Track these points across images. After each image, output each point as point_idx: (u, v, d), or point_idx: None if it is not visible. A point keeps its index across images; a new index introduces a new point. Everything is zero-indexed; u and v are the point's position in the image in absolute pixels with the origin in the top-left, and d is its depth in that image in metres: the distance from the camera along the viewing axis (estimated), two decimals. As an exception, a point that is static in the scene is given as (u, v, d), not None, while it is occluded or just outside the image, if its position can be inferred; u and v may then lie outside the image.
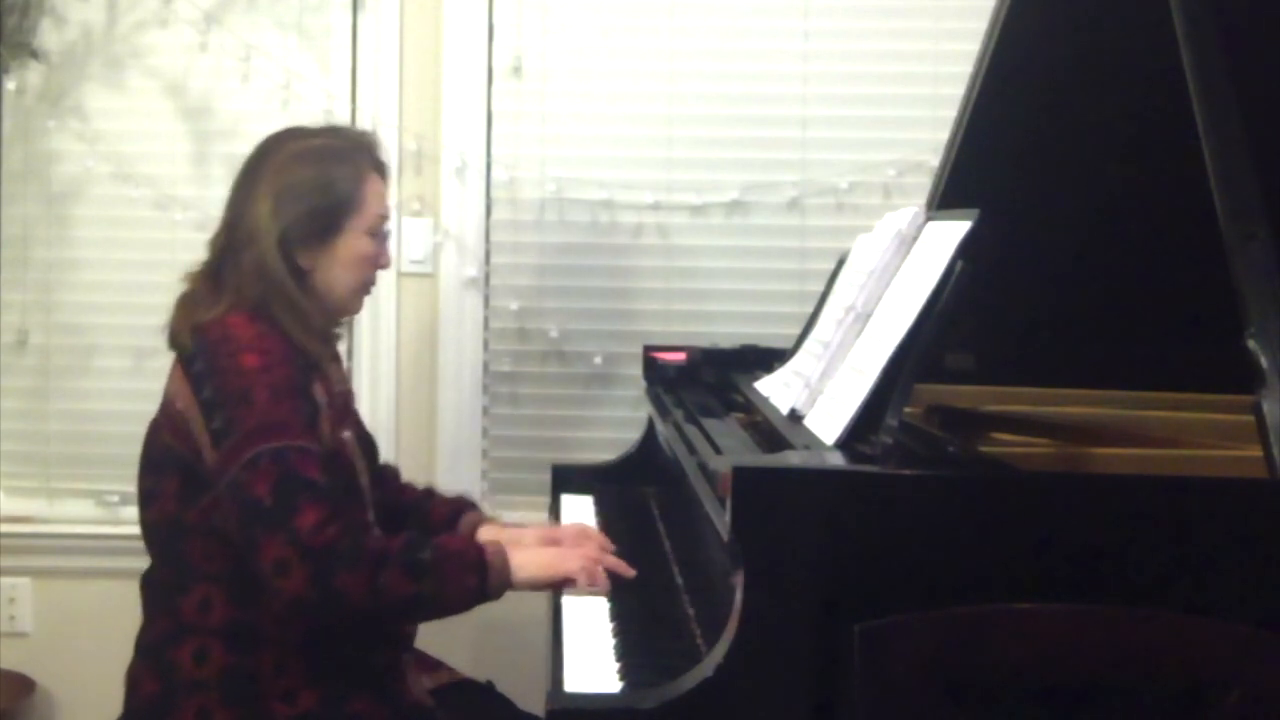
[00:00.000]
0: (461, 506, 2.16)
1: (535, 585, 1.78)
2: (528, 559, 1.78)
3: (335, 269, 1.90)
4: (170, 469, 1.82)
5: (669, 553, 1.97)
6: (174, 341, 1.86)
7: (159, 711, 1.79)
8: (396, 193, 2.76)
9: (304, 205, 1.86)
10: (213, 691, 1.77)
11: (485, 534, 2.06)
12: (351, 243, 1.90)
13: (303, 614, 1.70)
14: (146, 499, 1.86)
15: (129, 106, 2.82)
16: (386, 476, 2.16)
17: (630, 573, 1.80)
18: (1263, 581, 1.29)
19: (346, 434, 1.90)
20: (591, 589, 1.75)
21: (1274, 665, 1.24)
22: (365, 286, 1.96)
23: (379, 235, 1.94)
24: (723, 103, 2.77)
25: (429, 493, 2.20)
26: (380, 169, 1.97)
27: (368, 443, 2.05)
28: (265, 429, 1.71)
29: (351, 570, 1.66)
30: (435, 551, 1.72)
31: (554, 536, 1.96)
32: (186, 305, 1.87)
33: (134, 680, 1.86)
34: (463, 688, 2.03)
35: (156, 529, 1.86)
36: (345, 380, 2.05)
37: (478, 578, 1.72)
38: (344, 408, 1.97)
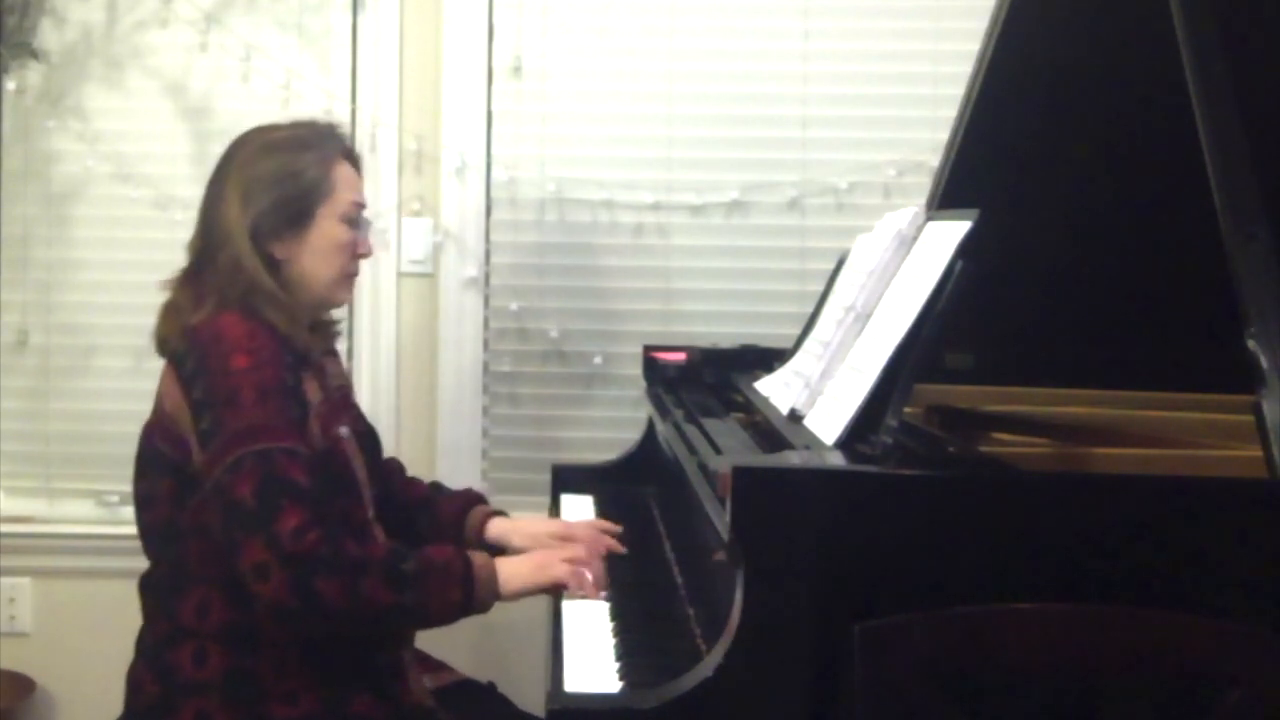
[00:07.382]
0: (470, 501, 2.14)
1: (525, 594, 1.78)
2: (515, 570, 1.78)
3: (310, 258, 1.88)
4: (162, 472, 1.81)
5: (669, 553, 1.97)
6: (163, 348, 1.86)
7: (159, 713, 1.79)
8: (396, 193, 2.77)
9: (272, 195, 1.85)
10: (213, 693, 1.77)
11: (495, 528, 2.07)
12: (325, 230, 1.88)
13: (283, 619, 1.69)
14: (142, 503, 1.86)
15: (129, 106, 2.82)
16: (391, 471, 2.16)
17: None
18: (1263, 581, 1.29)
19: (343, 430, 1.89)
20: (583, 594, 1.75)
21: (1274, 665, 1.24)
22: (346, 276, 1.93)
23: (356, 223, 1.92)
24: (723, 103, 2.77)
25: (436, 488, 2.19)
26: (350, 157, 1.95)
27: (368, 437, 2.03)
28: (251, 431, 1.70)
29: (330, 577, 1.64)
30: (419, 563, 1.71)
31: (568, 532, 1.97)
32: (171, 312, 1.86)
33: (135, 681, 1.85)
34: (464, 688, 2.03)
35: (153, 532, 1.85)
36: (344, 375, 2.03)
37: (462, 592, 1.72)
38: (341, 402, 1.96)
